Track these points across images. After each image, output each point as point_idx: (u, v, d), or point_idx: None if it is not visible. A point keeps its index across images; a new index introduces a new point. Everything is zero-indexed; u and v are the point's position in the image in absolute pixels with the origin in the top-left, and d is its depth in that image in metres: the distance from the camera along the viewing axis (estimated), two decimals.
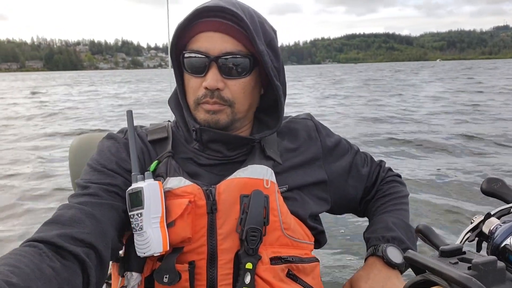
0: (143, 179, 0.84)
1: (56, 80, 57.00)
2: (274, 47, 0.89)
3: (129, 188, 0.84)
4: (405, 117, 10.73)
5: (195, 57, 0.86)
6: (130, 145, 0.88)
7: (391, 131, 8.60)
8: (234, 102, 0.87)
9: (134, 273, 0.83)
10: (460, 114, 11.04)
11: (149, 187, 0.81)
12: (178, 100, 0.95)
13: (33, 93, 26.89)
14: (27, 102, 19.87)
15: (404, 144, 7.39)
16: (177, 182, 0.86)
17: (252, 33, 0.82)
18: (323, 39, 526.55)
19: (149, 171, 0.87)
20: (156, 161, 0.90)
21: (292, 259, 0.87)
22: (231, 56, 0.84)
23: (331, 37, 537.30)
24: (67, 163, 1.40)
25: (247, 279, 0.81)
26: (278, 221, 0.86)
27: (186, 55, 0.87)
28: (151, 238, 0.79)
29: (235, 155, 0.92)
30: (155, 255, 0.80)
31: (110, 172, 0.87)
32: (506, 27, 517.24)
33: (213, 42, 0.84)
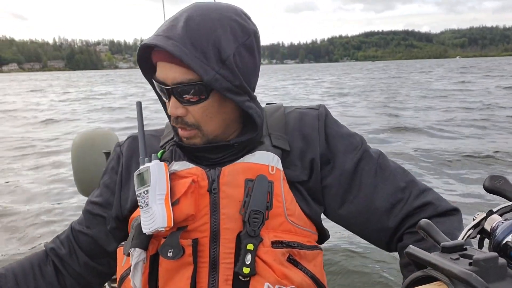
0: (150, 161, 0.89)
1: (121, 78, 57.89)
2: (230, 65, 0.83)
3: (137, 171, 0.90)
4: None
5: (157, 85, 0.88)
6: (138, 133, 0.94)
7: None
8: (199, 125, 0.89)
9: (137, 249, 0.86)
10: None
11: (155, 166, 0.86)
12: None
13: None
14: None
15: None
16: (181, 165, 0.91)
17: (193, 65, 0.80)
18: (340, 36, 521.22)
19: (156, 155, 0.92)
20: (162, 150, 0.97)
21: (294, 244, 0.88)
22: (182, 86, 0.84)
23: (349, 35, 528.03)
24: None
25: (248, 259, 0.83)
26: (282, 207, 0.88)
27: (153, 80, 0.89)
28: (156, 214, 0.82)
29: (221, 156, 0.93)
30: (159, 230, 0.83)
31: (106, 193, 1.02)
32: None
33: (165, 72, 0.85)
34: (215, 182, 0.88)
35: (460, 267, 0.43)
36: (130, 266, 0.86)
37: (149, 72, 0.92)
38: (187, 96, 0.85)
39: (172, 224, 0.84)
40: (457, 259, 0.47)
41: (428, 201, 0.91)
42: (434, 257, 0.46)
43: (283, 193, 0.89)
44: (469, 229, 0.73)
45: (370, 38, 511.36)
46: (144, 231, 0.85)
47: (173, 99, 0.86)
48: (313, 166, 0.93)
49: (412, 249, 0.49)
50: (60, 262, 1.01)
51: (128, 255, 0.88)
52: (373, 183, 0.93)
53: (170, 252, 0.84)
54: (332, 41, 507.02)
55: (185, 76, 0.84)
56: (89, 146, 1.39)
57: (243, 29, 0.87)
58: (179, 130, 0.91)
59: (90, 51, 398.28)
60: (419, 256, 0.48)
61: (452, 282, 0.44)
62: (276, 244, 0.86)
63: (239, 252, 0.85)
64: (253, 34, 0.89)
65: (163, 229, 0.83)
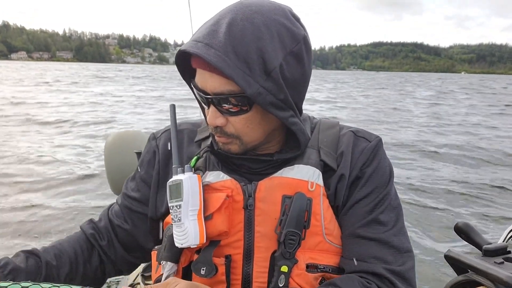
0: (183, 171, 0.86)
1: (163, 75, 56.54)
2: (276, 77, 0.76)
3: (170, 180, 0.86)
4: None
5: (197, 92, 0.82)
6: (172, 139, 0.91)
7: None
8: (239, 136, 0.83)
9: (169, 263, 0.85)
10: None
11: (188, 180, 0.83)
12: None
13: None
14: None
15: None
16: (215, 176, 0.87)
17: (235, 78, 0.73)
18: (349, 45, 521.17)
19: (189, 165, 0.88)
20: (196, 156, 0.91)
21: (329, 269, 0.84)
22: (222, 97, 0.78)
23: (358, 44, 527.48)
24: None
25: (281, 282, 0.80)
26: (320, 225, 0.84)
27: (192, 85, 0.84)
28: (188, 230, 0.81)
29: (261, 168, 0.89)
30: (192, 247, 0.82)
31: (142, 189, 0.99)
32: None
33: (204, 81, 0.79)
34: (251, 198, 0.85)
35: (506, 271, 0.39)
36: (162, 274, 0.86)
37: (187, 74, 0.86)
38: (227, 106, 0.80)
39: (205, 241, 0.83)
40: (502, 263, 0.43)
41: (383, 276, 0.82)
42: (477, 261, 0.42)
43: (322, 211, 0.85)
44: (511, 231, 0.70)
45: (378, 48, 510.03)
46: (176, 244, 0.84)
47: (212, 108, 0.81)
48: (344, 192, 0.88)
49: (453, 252, 0.45)
50: (101, 250, 1.01)
51: (160, 263, 0.88)
52: (361, 234, 0.86)
53: (203, 270, 0.83)
54: (340, 49, 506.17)
55: (226, 87, 0.77)
56: (121, 146, 1.42)
57: (292, 34, 0.79)
58: (216, 137, 0.86)
59: (99, 44, 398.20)
60: (460, 260, 0.44)
61: (497, 287, 0.40)
62: (310, 268, 0.83)
63: (272, 271, 0.83)
64: (303, 39, 0.80)
65: (196, 245, 0.82)
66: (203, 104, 0.86)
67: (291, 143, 0.90)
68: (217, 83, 0.77)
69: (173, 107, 0.93)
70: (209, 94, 0.79)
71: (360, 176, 0.89)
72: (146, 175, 0.99)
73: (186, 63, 0.84)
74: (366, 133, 0.94)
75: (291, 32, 0.78)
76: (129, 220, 1.00)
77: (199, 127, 1.00)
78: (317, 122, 0.97)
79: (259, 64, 0.75)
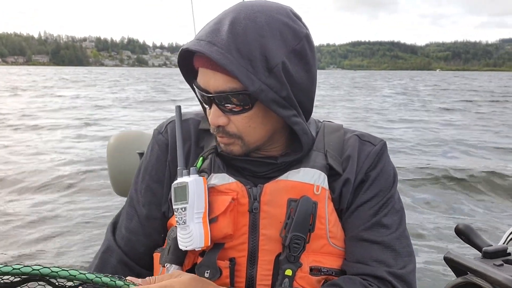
0: (188, 174, 0.85)
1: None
2: (278, 74, 0.76)
3: (175, 182, 0.85)
4: None
5: (199, 91, 0.83)
6: (177, 140, 0.90)
7: None
8: (241, 135, 0.83)
9: (174, 265, 0.85)
10: None
11: (194, 183, 0.82)
12: None
13: None
14: None
15: None
16: (221, 179, 0.87)
17: (238, 75, 0.73)
18: (328, 45, 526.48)
19: (195, 166, 0.88)
20: (201, 158, 0.90)
21: (332, 272, 0.85)
22: (224, 95, 0.78)
23: (336, 43, 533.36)
24: None
25: (285, 286, 0.81)
26: (325, 229, 0.85)
27: (194, 86, 0.84)
28: (193, 233, 0.81)
29: (265, 171, 0.89)
30: (196, 249, 0.82)
31: (155, 187, 0.95)
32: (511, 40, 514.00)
33: (207, 80, 0.79)
34: (256, 201, 0.85)
35: (505, 274, 0.39)
36: None
37: (189, 75, 0.86)
38: (229, 105, 0.79)
39: (210, 244, 0.83)
40: (501, 265, 0.43)
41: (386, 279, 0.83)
42: (476, 263, 0.42)
43: (327, 215, 0.85)
44: (511, 233, 0.62)
45: (356, 47, 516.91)
46: (180, 247, 0.83)
47: (214, 107, 0.81)
48: (348, 196, 0.89)
49: (452, 254, 0.45)
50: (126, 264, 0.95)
51: (164, 266, 0.87)
52: (364, 236, 0.87)
53: (207, 273, 0.82)
54: (319, 48, 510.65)
55: (228, 85, 0.77)
56: (123, 147, 1.42)
57: (294, 32, 0.79)
58: (218, 137, 0.86)
59: (75, 47, 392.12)
60: (459, 262, 0.44)
61: None
62: (314, 271, 0.84)
63: (276, 274, 0.83)
64: (305, 37, 0.81)
65: (200, 248, 0.82)
66: (205, 105, 0.86)
67: (295, 145, 0.89)
68: (220, 82, 0.77)
69: (178, 109, 0.92)
70: (211, 93, 0.79)
71: (365, 179, 0.89)
72: (157, 175, 0.95)
73: (188, 65, 0.85)
74: (371, 137, 0.95)
75: (293, 30, 0.79)
76: (148, 236, 0.95)
77: (203, 116, 0.97)
78: (321, 125, 0.97)
79: (261, 61, 0.75)
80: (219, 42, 0.75)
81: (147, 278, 0.69)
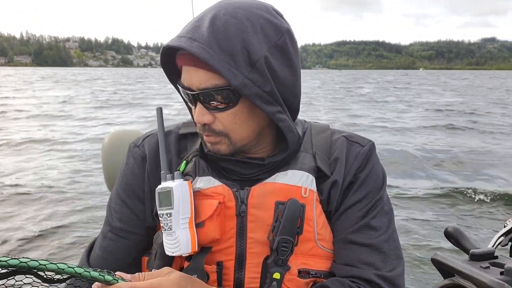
0: (173, 178, 0.83)
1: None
2: (261, 68, 0.76)
3: (159, 187, 0.83)
4: None
5: (183, 91, 0.81)
6: (159, 143, 0.87)
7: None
8: (227, 133, 0.82)
9: None
10: None
11: (178, 187, 0.80)
12: None
13: None
14: None
15: None
16: (206, 182, 0.85)
17: (220, 69, 0.73)
18: (314, 44, 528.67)
19: (178, 170, 0.86)
20: (184, 161, 0.89)
21: (321, 275, 0.84)
22: (208, 91, 0.77)
23: (322, 43, 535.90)
24: None
25: None
26: (313, 231, 0.84)
27: (178, 85, 0.83)
28: (180, 239, 0.79)
29: (252, 173, 0.87)
30: (183, 255, 0.81)
31: (131, 203, 0.92)
32: (493, 39, 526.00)
33: (190, 77, 0.78)
34: (244, 204, 0.84)
35: (491, 276, 0.39)
36: None
37: (174, 77, 0.86)
38: (214, 103, 0.79)
39: (197, 249, 0.81)
40: (487, 267, 0.43)
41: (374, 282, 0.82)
42: (463, 265, 0.43)
43: (315, 217, 0.85)
44: (500, 236, 0.69)
45: (342, 47, 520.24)
46: (167, 253, 0.82)
47: (199, 105, 0.80)
48: (337, 198, 0.88)
49: (440, 256, 0.46)
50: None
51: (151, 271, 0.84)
52: (352, 239, 0.86)
53: (194, 277, 0.80)
54: (305, 48, 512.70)
55: (211, 81, 0.77)
56: (118, 146, 1.41)
57: (275, 27, 0.79)
58: (205, 136, 0.84)
59: (59, 47, 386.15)
60: (446, 264, 0.45)
61: None
62: (302, 274, 0.83)
63: (264, 277, 0.82)
64: (286, 32, 0.80)
65: (187, 254, 0.81)
66: (189, 104, 0.85)
67: (282, 146, 0.88)
68: (203, 78, 0.77)
69: (159, 110, 0.90)
70: (195, 91, 0.79)
71: (353, 181, 0.88)
72: (132, 191, 0.92)
73: (172, 66, 0.85)
74: (359, 137, 0.94)
75: (274, 25, 0.79)
76: (125, 253, 0.92)
77: (184, 122, 0.98)
78: (308, 125, 0.96)
79: (243, 55, 0.75)
80: (200, 37, 0.75)
81: (136, 274, 0.69)
